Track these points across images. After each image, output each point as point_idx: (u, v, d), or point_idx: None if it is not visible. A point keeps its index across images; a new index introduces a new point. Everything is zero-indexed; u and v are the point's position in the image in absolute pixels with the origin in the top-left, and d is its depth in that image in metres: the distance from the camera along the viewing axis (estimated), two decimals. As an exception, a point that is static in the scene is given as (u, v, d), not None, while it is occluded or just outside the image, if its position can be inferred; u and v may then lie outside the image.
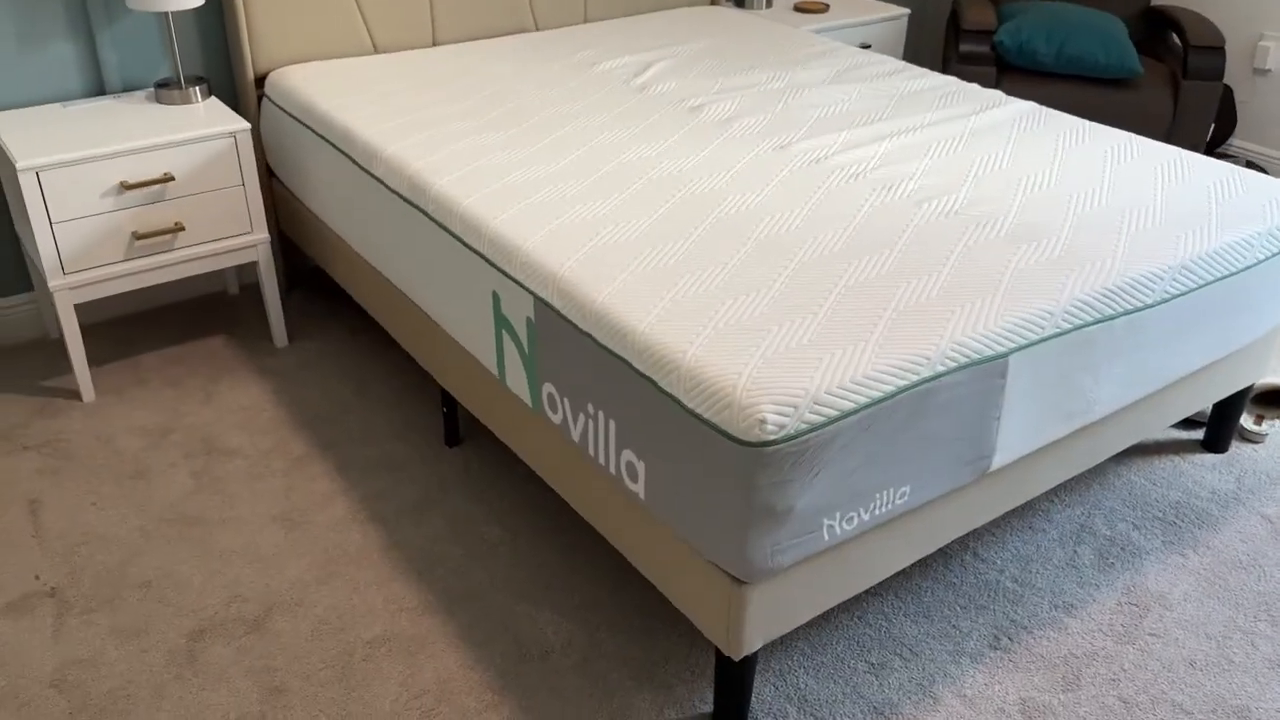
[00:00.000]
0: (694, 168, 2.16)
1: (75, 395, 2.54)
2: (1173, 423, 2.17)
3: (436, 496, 2.21)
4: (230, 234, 2.55)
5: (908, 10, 3.64)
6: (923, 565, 2.05)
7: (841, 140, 2.33)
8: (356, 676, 1.79)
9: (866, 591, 1.98)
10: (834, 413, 1.44)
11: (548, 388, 1.80)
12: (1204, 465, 2.36)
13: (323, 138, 2.45)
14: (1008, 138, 2.35)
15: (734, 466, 1.42)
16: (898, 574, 2.02)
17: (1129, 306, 1.76)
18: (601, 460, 1.71)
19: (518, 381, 1.90)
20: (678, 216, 1.94)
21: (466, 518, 2.15)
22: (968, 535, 2.13)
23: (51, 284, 2.37)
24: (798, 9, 3.60)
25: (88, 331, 2.82)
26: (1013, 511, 2.20)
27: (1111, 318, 1.74)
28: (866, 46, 3.56)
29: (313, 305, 2.98)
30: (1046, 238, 1.87)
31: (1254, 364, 2.25)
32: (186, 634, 1.87)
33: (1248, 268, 1.95)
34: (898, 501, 1.61)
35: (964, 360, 1.56)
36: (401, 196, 2.15)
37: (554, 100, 2.56)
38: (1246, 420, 2.47)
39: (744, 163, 2.20)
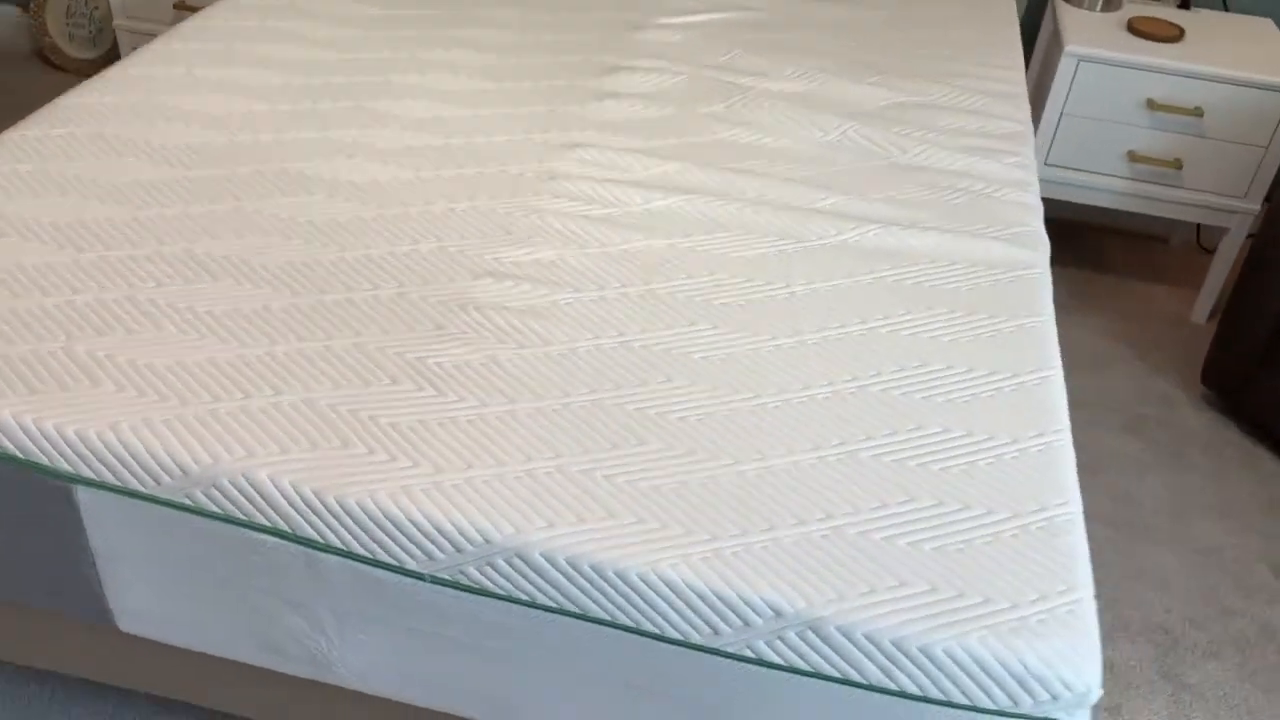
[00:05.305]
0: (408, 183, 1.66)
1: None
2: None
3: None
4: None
5: (1310, 83, 2.23)
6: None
7: (659, 174, 1.59)
8: None
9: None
10: None
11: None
12: None
13: None
14: (872, 272, 1.41)
15: None
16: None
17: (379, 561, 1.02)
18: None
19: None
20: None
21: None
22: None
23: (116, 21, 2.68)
24: (1133, 30, 2.40)
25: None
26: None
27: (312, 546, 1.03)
28: (1197, 113, 2.29)
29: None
30: (574, 398, 1.13)
31: None
32: None
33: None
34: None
35: (-5, 445, 1.06)
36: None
37: (453, 62, 2.09)
38: None
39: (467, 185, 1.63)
